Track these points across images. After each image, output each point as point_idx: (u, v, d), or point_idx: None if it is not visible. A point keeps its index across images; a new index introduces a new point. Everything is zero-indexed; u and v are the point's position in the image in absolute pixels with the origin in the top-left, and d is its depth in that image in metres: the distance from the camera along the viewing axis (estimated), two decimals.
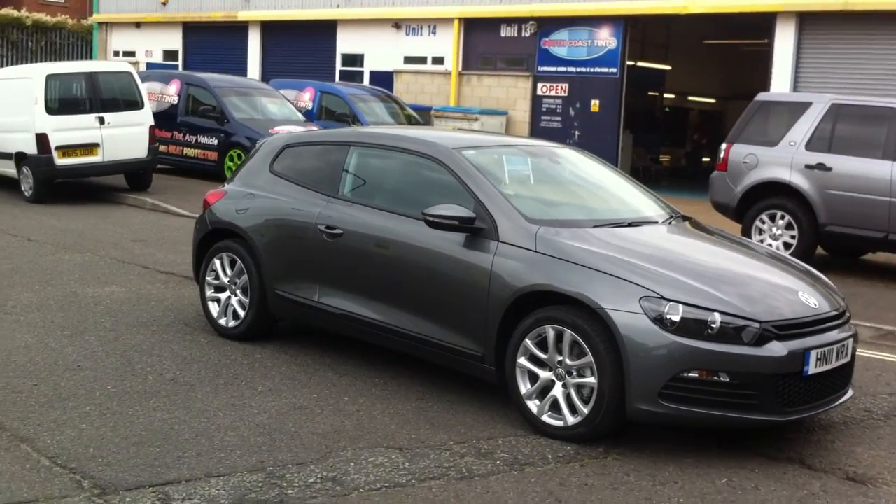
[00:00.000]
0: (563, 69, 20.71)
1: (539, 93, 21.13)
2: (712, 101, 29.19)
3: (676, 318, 4.88)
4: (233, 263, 6.96)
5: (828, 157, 10.42)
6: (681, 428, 5.22)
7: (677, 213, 6.40)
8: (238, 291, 6.94)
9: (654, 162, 24.80)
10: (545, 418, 5.26)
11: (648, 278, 5.05)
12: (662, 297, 4.94)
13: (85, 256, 10.22)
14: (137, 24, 30.08)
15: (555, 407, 5.24)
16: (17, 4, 37.88)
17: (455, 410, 5.65)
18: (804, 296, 5.33)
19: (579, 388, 5.15)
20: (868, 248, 10.67)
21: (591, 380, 5.06)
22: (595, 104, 20.28)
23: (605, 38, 20.06)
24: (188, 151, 18.32)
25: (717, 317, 4.90)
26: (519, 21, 21.28)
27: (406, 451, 4.98)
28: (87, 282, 8.81)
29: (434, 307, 5.75)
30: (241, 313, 6.90)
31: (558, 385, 5.23)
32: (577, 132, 20.59)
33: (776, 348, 4.94)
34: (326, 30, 25.05)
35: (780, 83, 17.44)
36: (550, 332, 5.19)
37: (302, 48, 25.91)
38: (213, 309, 7.11)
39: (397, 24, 23.49)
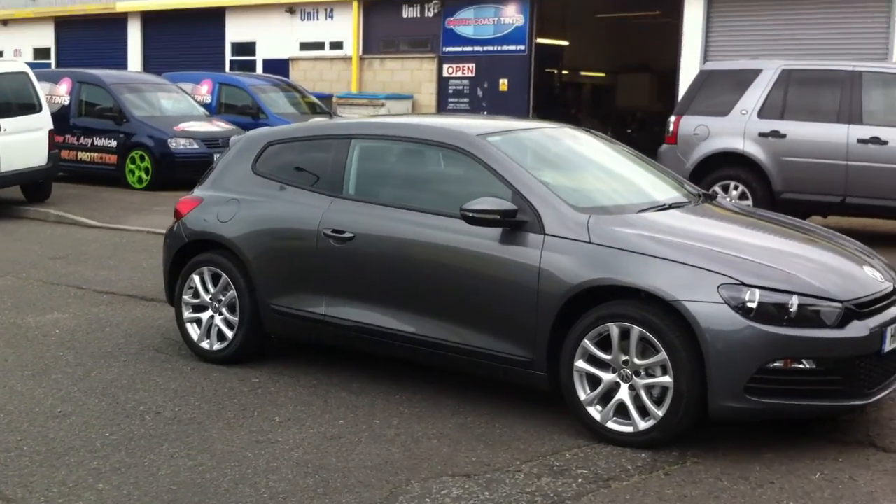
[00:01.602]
0: (469, 49, 20.31)
1: (445, 74, 20.69)
2: (602, 75, 29.28)
3: (755, 305, 4.52)
4: (216, 279, 6.28)
5: (781, 123, 10.31)
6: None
7: (699, 190, 6.06)
8: (224, 309, 6.26)
9: None
10: (610, 425, 4.84)
11: (722, 264, 4.67)
12: (743, 284, 4.56)
13: (7, 280, 9.26)
14: (4, 22, 28.24)
15: (621, 411, 4.82)
16: None
17: (499, 424, 5.17)
18: (868, 270, 5.05)
19: (649, 388, 4.74)
20: (824, 212, 10.65)
21: (666, 379, 4.65)
22: (504, 83, 19.98)
23: (513, 15, 19.73)
24: (83, 156, 17.12)
25: (796, 300, 4.56)
26: (422, 1, 20.75)
27: (475, 477, 4.48)
28: (23, 310, 7.93)
29: (471, 312, 5.24)
30: (229, 334, 6.23)
31: (624, 387, 4.80)
32: (486, 113, 20.21)
33: (858, 328, 4.63)
34: (214, 18, 23.98)
35: (691, 54, 17.47)
36: (615, 330, 4.76)
37: (188, 38, 24.77)
38: (193, 331, 6.41)
39: (291, 8, 22.63)
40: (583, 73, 28.57)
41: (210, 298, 6.32)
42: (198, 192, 6.65)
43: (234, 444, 4.93)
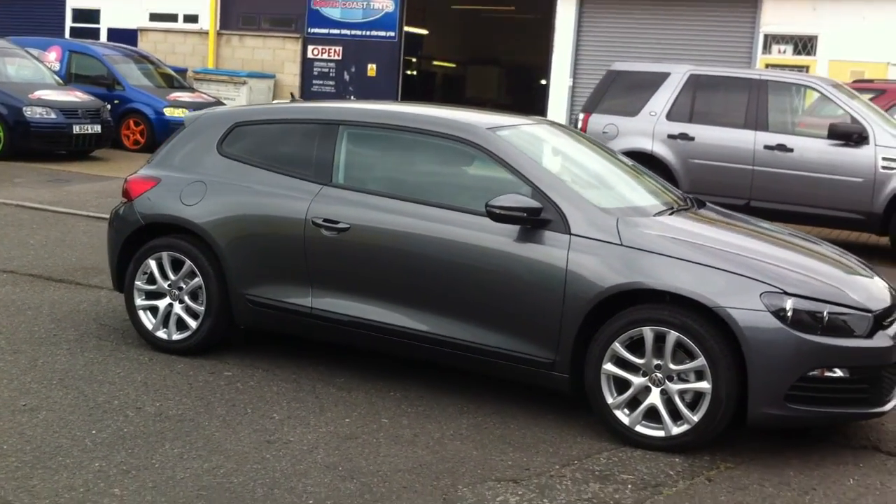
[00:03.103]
0: (336, 31, 19.87)
1: (310, 55, 20.15)
2: (454, 65, 29.43)
3: (791, 314, 4.54)
4: (177, 265, 5.77)
5: (690, 126, 10.58)
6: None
7: (686, 195, 6.07)
8: (186, 297, 5.76)
9: None
10: (640, 429, 4.75)
11: (761, 272, 4.67)
12: (784, 292, 4.57)
13: None
14: None
15: (649, 415, 4.75)
16: None
17: (513, 424, 4.99)
18: (879, 281, 5.18)
19: (682, 393, 4.68)
20: None
21: (703, 385, 4.60)
22: (372, 68, 19.67)
23: (383, 1, 19.44)
24: None
25: (828, 308, 4.61)
26: None
27: (523, 483, 4.29)
28: None
29: (487, 310, 5.02)
30: (193, 323, 5.74)
31: (655, 391, 4.73)
32: (352, 97, 19.86)
33: (883, 338, 4.74)
34: None
35: (563, 51, 17.76)
36: (649, 334, 4.67)
37: (21, 3, 23.00)
38: (147, 320, 5.88)
39: None
40: (435, 63, 28.62)
41: (169, 285, 5.81)
42: (149, 171, 6.12)
43: (242, 443, 4.54)
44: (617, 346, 4.74)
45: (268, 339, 6.12)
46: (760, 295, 4.56)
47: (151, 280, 5.86)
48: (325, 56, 20.03)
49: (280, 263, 5.53)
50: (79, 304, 6.86)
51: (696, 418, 4.63)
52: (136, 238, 5.95)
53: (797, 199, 10.03)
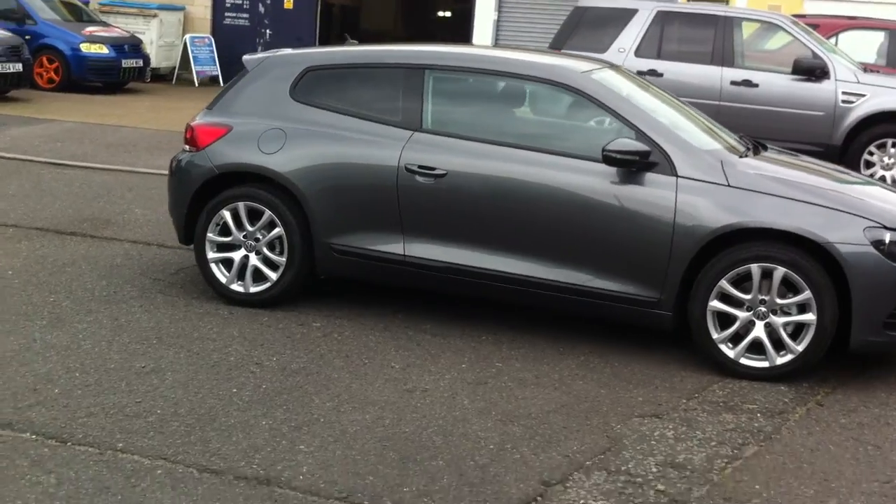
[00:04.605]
0: None
1: None
2: None
3: (890, 246, 4.90)
4: (253, 215, 5.72)
5: (658, 63, 10.87)
6: None
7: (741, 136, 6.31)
8: (264, 248, 5.73)
9: None
10: (744, 361, 5.07)
11: (860, 208, 5.01)
12: (884, 227, 4.92)
13: None
14: None
15: (753, 348, 5.07)
16: None
17: (618, 362, 5.21)
18: None
19: (785, 326, 5.01)
20: None
21: (809, 316, 4.94)
22: (289, 1, 19.18)
23: None
24: None
25: None
26: None
27: (664, 417, 4.56)
28: None
29: (591, 253, 5.21)
30: (273, 275, 5.72)
31: (759, 325, 5.04)
32: (268, 31, 19.38)
33: None
34: None
35: None
36: (756, 270, 4.97)
37: None
38: (220, 273, 5.82)
39: None
40: None
41: (244, 236, 5.76)
42: (215, 118, 5.96)
43: (385, 394, 4.63)
44: (724, 284, 5.02)
45: (327, 288, 6.15)
46: (864, 229, 4.90)
47: (225, 231, 5.79)
48: None
49: (370, 211, 5.55)
50: (112, 259, 6.69)
51: (800, 348, 4.98)
52: (207, 188, 5.84)
53: (761, 133, 10.46)
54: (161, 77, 18.83)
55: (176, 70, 19.03)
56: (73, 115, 13.56)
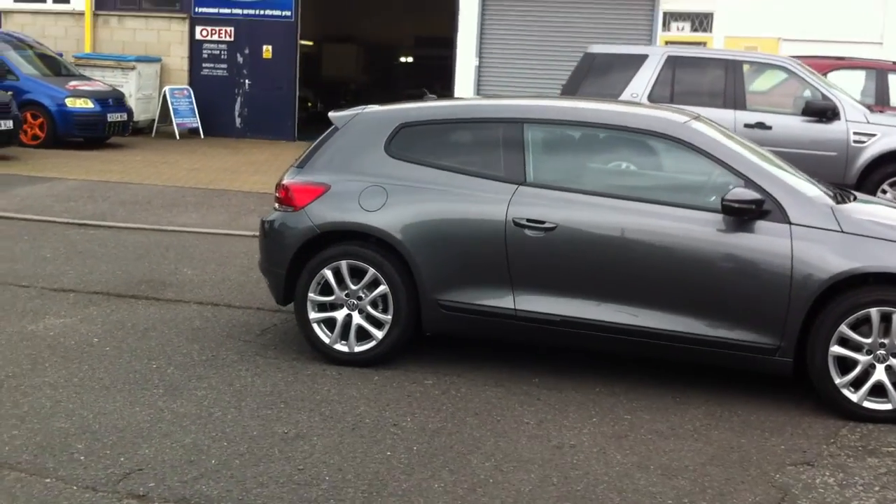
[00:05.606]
0: (227, 11, 19.19)
1: (199, 37, 19.40)
2: (311, 43, 29.00)
3: None
4: (355, 273, 5.70)
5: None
6: None
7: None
8: (368, 307, 5.71)
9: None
10: (867, 404, 5.18)
11: None
12: None
13: None
14: None
15: (874, 391, 5.18)
16: None
17: (742, 411, 5.28)
18: None
19: None
20: None
21: None
22: (267, 50, 19.19)
23: None
24: None
25: None
26: None
27: (815, 464, 4.62)
28: (10, 318, 6.57)
29: (707, 302, 5.29)
30: (378, 333, 5.69)
31: (880, 367, 5.16)
32: (246, 81, 19.34)
33: None
34: None
35: (468, 31, 18.01)
36: (875, 314, 5.09)
37: None
38: (323, 333, 5.78)
39: None
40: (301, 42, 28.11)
41: (346, 295, 5.73)
42: (310, 177, 5.93)
43: (537, 451, 4.64)
44: (844, 328, 5.14)
45: (424, 347, 6.14)
46: None
47: (326, 291, 5.76)
48: (215, 37, 19.32)
49: (478, 266, 5.57)
50: (190, 322, 6.60)
51: None
52: (307, 248, 5.81)
53: None
54: (139, 130, 18.60)
55: (155, 123, 18.84)
56: (73, 173, 13.35)
